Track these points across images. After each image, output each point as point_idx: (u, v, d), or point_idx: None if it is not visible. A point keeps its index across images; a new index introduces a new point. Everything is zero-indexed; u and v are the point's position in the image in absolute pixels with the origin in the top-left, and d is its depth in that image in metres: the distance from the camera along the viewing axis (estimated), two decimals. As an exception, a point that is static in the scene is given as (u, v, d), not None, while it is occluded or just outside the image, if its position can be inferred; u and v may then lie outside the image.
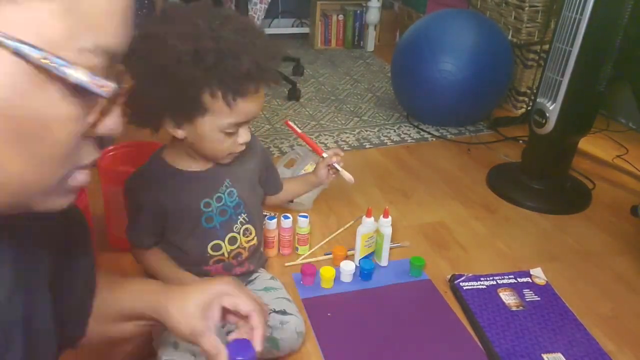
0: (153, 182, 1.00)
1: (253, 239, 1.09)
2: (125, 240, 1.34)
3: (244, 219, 1.06)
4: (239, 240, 1.06)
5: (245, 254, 1.09)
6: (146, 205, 1.00)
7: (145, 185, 1.01)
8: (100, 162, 1.31)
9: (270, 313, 1.03)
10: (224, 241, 1.04)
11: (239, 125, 0.93)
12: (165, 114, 0.90)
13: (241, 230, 1.06)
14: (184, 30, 0.83)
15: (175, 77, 0.83)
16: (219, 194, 1.02)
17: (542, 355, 1.10)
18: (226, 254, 1.05)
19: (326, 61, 3.06)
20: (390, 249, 1.34)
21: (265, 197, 1.20)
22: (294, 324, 1.03)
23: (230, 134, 0.93)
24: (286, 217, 1.34)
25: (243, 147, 0.97)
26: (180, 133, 0.93)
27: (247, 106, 0.90)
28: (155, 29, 0.84)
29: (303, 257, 1.36)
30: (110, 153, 1.38)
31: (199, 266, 1.06)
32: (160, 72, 0.83)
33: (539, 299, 1.26)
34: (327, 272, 1.25)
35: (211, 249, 1.04)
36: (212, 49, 0.82)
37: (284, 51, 0.97)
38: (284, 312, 1.04)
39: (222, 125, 0.91)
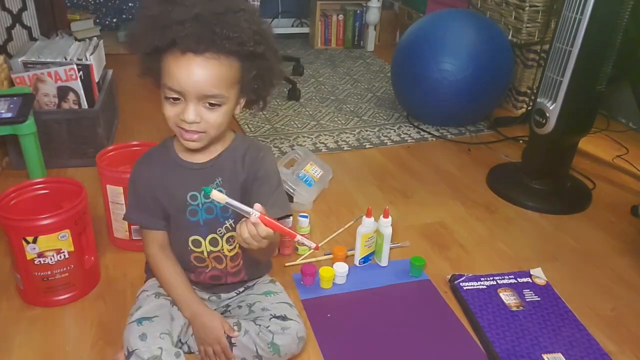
0: (150, 166, 1.02)
1: (235, 248, 1.05)
2: (126, 240, 1.35)
3: (230, 225, 1.02)
4: (220, 244, 1.04)
5: (226, 263, 1.06)
6: (137, 183, 1.03)
7: (143, 161, 1.04)
8: (100, 162, 1.31)
9: (271, 319, 1.03)
10: (204, 239, 1.03)
11: (177, 93, 0.89)
12: (141, 56, 0.92)
13: (225, 236, 1.03)
14: None
15: (142, 19, 0.89)
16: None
17: (542, 355, 1.10)
18: (205, 253, 1.04)
19: (326, 61, 3.06)
20: (391, 249, 1.34)
21: None
22: (295, 329, 1.02)
23: (173, 103, 0.90)
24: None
25: (188, 126, 0.91)
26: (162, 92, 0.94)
27: (177, 70, 0.87)
28: None
29: (303, 257, 1.36)
30: (110, 153, 1.39)
31: (186, 262, 1.05)
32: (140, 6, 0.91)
33: (539, 299, 1.26)
34: (326, 273, 1.25)
35: (192, 243, 1.03)
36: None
37: (262, 36, 0.91)
38: (284, 318, 1.03)
39: (164, 88, 0.90)
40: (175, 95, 0.90)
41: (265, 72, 0.95)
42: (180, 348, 0.99)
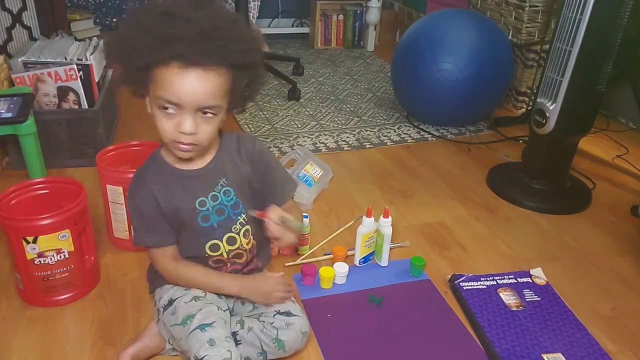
0: (147, 183, 1.00)
1: (251, 239, 1.08)
2: (126, 239, 1.35)
3: (243, 219, 1.04)
4: (238, 241, 1.05)
5: (246, 255, 1.08)
6: (140, 206, 0.99)
7: (140, 184, 1.00)
8: (100, 162, 1.31)
9: (275, 315, 1.04)
10: (221, 241, 1.03)
11: (174, 105, 0.88)
12: (131, 68, 0.91)
13: (241, 232, 1.05)
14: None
15: (128, 24, 0.89)
16: (214, 193, 1.01)
17: (542, 355, 1.10)
18: (225, 254, 1.04)
19: (326, 61, 3.06)
20: (391, 249, 1.34)
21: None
22: (299, 324, 1.03)
23: (168, 115, 0.90)
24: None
25: (186, 138, 0.91)
26: (148, 107, 0.94)
27: (176, 82, 0.86)
28: None
29: (303, 257, 1.36)
30: (110, 153, 1.39)
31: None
32: (128, 19, 0.90)
33: (539, 299, 1.26)
34: (326, 273, 1.25)
35: (209, 249, 1.03)
36: (162, 4, 0.87)
37: (256, 44, 0.94)
38: (288, 314, 1.04)
39: (157, 100, 0.89)
40: (171, 107, 0.89)
41: (255, 79, 0.98)
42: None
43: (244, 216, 1.04)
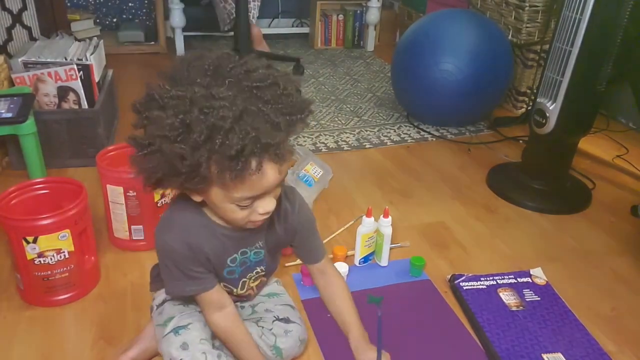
0: (186, 233, 0.89)
1: (259, 280, 1.04)
2: (126, 240, 1.35)
3: (260, 270, 1.00)
4: (247, 285, 1.01)
5: (253, 294, 1.07)
6: (175, 255, 0.89)
7: (180, 236, 0.88)
8: (100, 162, 1.31)
9: (274, 321, 1.02)
10: (237, 287, 1.01)
11: (254, 198, 0.80)
12: (168, 183, 0.80)
13: (253, 278, 1.01)
14: (178, 95, 0.73)
15: (163, 152, 0.73)
16: (244, 249, 0.95)
17: (542, 355, 1.10)
18: (234, 296, 1.02)
19: (326, 61, 3.06)
20: (390, 249, 1.34)
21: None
22: (297, 332, 1.03)
23: (245, 207, 0.81)
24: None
25: (265, 217, 0.84)
26: (197, 197, 0.84)
27: (256, 181, 0.76)
28: (154, 91, 0.75)
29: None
30: (111, 153, 1.39)
31: None
32: (150, 144, 0.74)
33: (539, 299, 1.26)
34: (327, 272, 1.25)
35: (223, 286, 0.99)
36: (201, 122, 0.71)
37: (305, 110, 0.80)
38: (287, 320, 1.03)
39: (233, 199, 0.79)
40: (250, 201, 0.81)
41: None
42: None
43: (262, 267, 1.00)
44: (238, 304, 1.10)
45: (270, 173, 0.77)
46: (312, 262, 1.04)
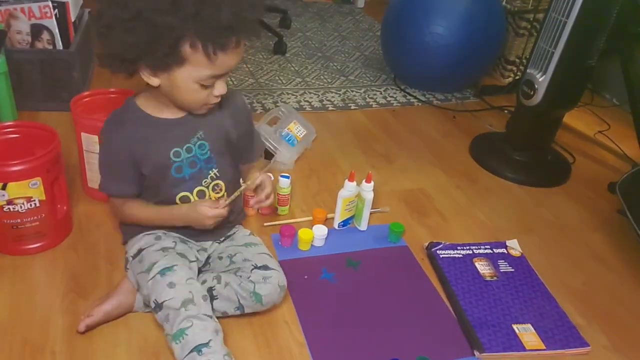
0: (124, 128, 0.99)
1: (223, 195, 1.07)
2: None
3: (214, 174, 1.05)
4: (207, 195, 1.05)
5: (227, 212, 1.06)
6: (118, 150, 0.99)
7: (116, 128, 1.00)
8: (74, 108, 1.25)
9: (252, 269, 1.03)
10: (192, 193, 1.04)
11: (216, 77, 0.92)
12: (140, 60, 0.89)
13: (210, 185, 1.05)
14: None
15: (151, 24, 0.82)
16: (189, 145, 1.01)
17: (513, 325, 1.12)
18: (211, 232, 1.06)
19: (314, 15, 2.97)
20: (370, 214, 1.33)
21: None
22: (276, 278, 1.03)
23: (206, 86, 0.92)
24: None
25: (218, 99, 0.96)
26: (154, 81, 0.92)
27: (226, 59, 0.88)
28: None
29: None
30: (86, 99, 1.33)
31: None
32: (136, 17, 0.82)
33: (512, 270, 1.27)
34: (305, 235, 1.24)
35: (179, 200, 1.03)
36: None
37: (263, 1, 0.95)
38: (266, 267, 1.04)
39: (200, 77, 0.90)
40: (212, 79, 0.92)
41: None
42: None
43: (215, 170, 1.04)
44: (216, 251, 1.10)
45: (239, 52, 0.90)
46: (245, 163, 1.14)
